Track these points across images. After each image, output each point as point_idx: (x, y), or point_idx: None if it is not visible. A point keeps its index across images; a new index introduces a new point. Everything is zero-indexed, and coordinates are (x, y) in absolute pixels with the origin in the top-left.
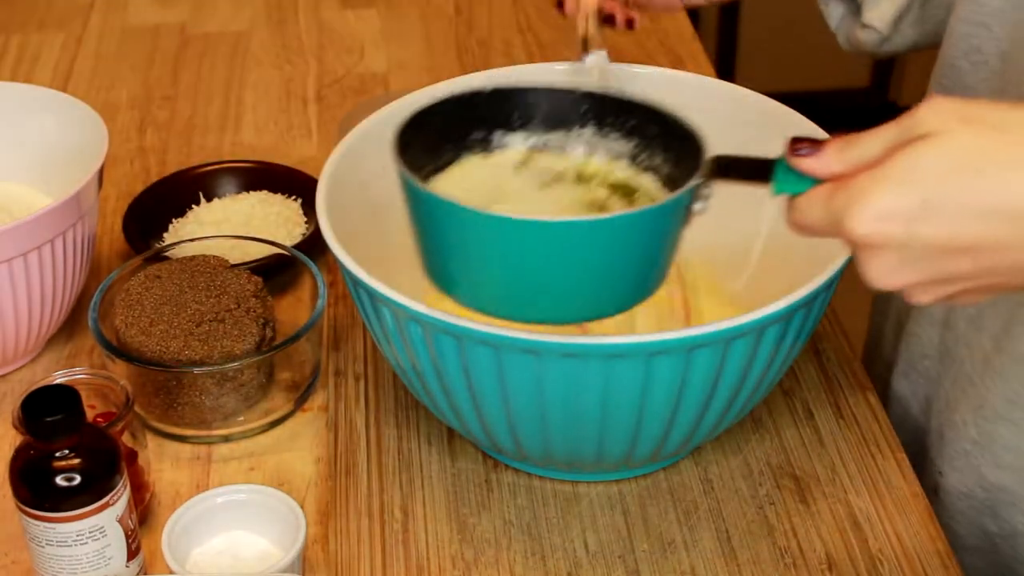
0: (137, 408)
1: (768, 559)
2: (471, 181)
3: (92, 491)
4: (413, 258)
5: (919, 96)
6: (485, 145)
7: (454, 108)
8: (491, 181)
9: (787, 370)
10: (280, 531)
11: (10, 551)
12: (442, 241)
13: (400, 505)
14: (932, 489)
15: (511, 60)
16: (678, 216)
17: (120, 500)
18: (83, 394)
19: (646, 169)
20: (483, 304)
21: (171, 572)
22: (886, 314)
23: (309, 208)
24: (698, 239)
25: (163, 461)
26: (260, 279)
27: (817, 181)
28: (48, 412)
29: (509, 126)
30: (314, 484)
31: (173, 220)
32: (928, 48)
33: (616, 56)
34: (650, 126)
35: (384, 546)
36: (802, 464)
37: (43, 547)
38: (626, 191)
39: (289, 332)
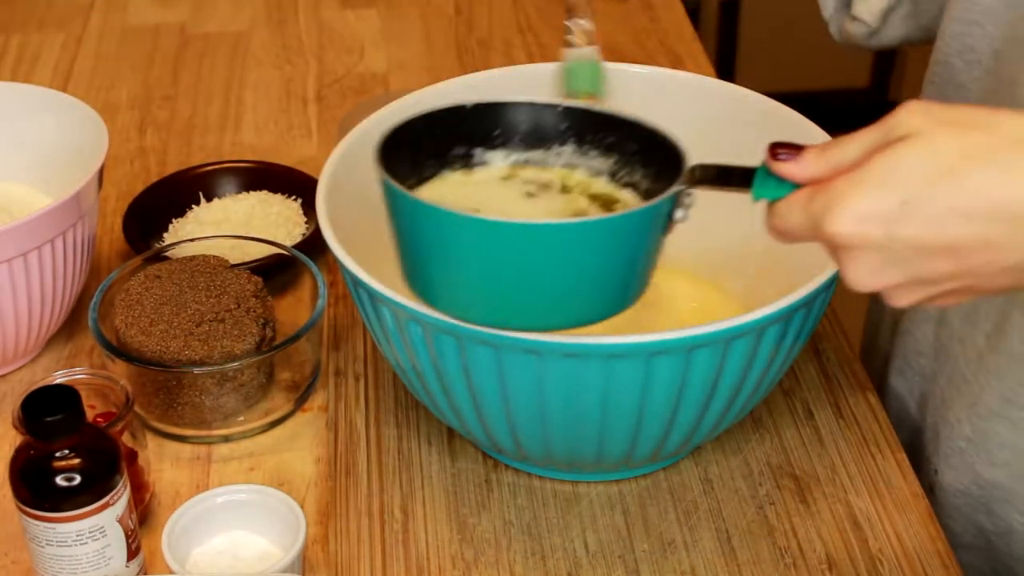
0: (137, 408)
1: (768, 559)
2: (456, 193)
3: (92, 491)
4: None
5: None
6: (466, 161)
7: (435, 123)
8: (476, 193)
9: (787, 370)
10: (280, 531)
11: (10, 551)
12: (422, 246)
13: (400, 505)
14: (928, 487)
15: (511, 60)
16: (658, 222)
17: (120, 500)
18: (83, 394)
19: (625, 185)
20: (462, 311)
21: (171, 572)
22: (883, 311)
23: (309, 208)
24: (698, 239)
25: (163, 461)
26: (260, 279)
27: (796, 186)
28: (48, 412)
29: (490, 143)
30: (314, 484)
31: (173, 220)
32: (921, 43)
33: (616, 56)
34: (629, 143)
35: (384, 546)
36: (802, 464)
37: (43, 547)
38: (606, 201)
39: (289, 332)
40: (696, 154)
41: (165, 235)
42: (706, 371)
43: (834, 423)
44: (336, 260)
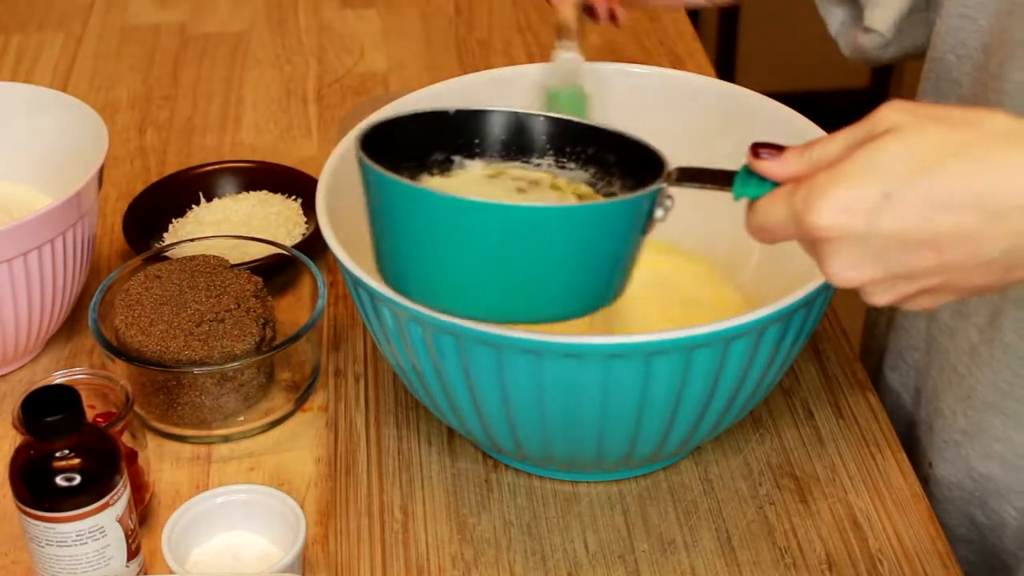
0: (137, 408)
1: (768, 559)
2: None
3: (92, 491)
4: None
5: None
6: (445, 167)
7: (416, 125)
8: (464, 189)
9: (787, 370)
10: (280, 531)
11: (10, 551)
12: (401, 231)
13: (400, 505)
14: (922, 480)
15: (511, 60)
16: (639, 218)
17: (120, 500)
18: (83, 394)
19: (606, 196)
20: (438, 300)
21: (171, 572)
22: (879, 307)
23: (309, 208)
24: (699, 239)
25: (163, 461)
26: (260, 279)
27: (777, 186)
28: (48, 412)
29: (470, 151)
30: (314, 484)
31: (173, 220)
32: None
33: (616, 55)
34: (609, 154)
35: (384, 546)
36: (802, 464)
37: (43, 547)
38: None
39: (289, 332)
40: (696, 154)
41: (165, 235)
42: (706, 371)
43: (834, 423)
44: (336, 260)
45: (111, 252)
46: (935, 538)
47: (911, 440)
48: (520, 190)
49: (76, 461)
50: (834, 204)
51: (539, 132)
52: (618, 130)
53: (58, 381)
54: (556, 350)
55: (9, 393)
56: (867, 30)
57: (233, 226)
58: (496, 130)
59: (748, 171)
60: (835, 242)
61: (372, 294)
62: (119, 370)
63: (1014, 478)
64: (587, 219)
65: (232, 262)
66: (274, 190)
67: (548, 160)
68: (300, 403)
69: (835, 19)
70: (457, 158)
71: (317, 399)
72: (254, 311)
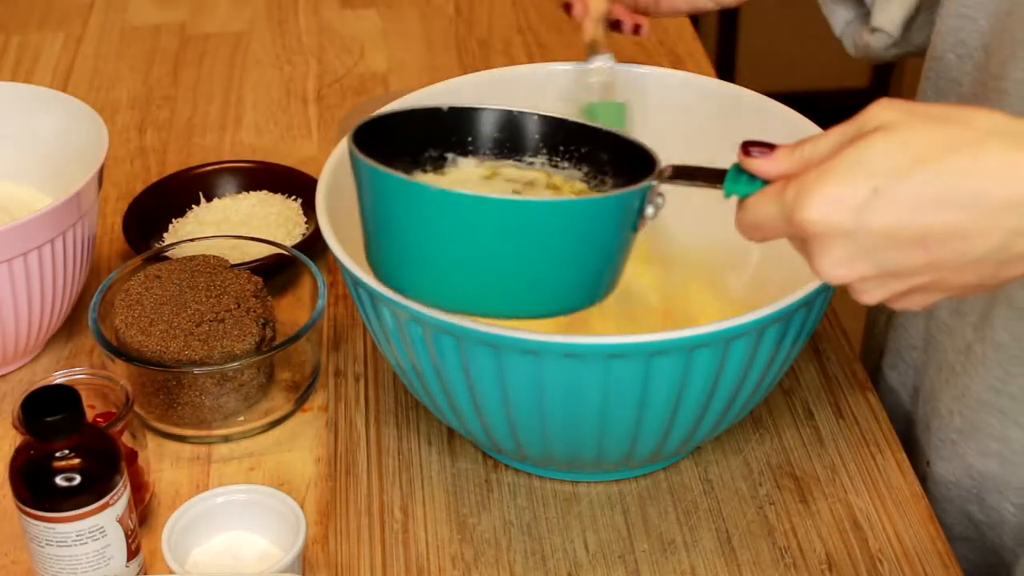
0: (137, 408)
1: (768, 559)
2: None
3: (92, 491)
4: None
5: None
6: (438, 164)
7: (410, 122)
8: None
9: (787, 370)
10: (280, 531)
11: (10, 551)
12: (392, 225)
13: (400, 505)
14: (920, 479)
15: (511, 60)
16: (630, 214)
17: (120, 500)
18: (83, 394)
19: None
20: (430, 295)
21: (171, 572)
22: (879, 307)
23: (309, 208)
24: (699, 239)
25: (163, 461)
26: (260, 279)
27: (767, 183)
28: (48, 412)
29: (463, 148)
30: (314, 484)
31: (173, 220)
32: None
33: (616, 55)
34: (601, 153)
35: (384, 546)
36: (802, 464)
37: (43, 547)
38: None
39: (289, 332)
40: (696, 154)
41: (165, 235)
42: (706, 371)
43: (834, 423)
44: (336, 260)
45: (111, 252)
46: (935, 538)
47: (909, 439)
48: (515, 192)
49: (76, 461)
50: (823, 200)
51: (532, 130)
52: (611, 129)
53: (58, 381)
54: (556, 350)
55: (9, 393)
56: (874, 30)
57: (233, 226)
58: (489, 128)
59: (739, 169)
60: (824, 238)
61: (372, 294)
62: (119, 370)
63: (1012, 474)
64: (578, 214)
65: (232, 262)
66: (274, 190)
67: (541, 158)
68: (300, 403)
69: (839, 19)
70: (450, 155)
71: (317, 399)
72: (254, 311)
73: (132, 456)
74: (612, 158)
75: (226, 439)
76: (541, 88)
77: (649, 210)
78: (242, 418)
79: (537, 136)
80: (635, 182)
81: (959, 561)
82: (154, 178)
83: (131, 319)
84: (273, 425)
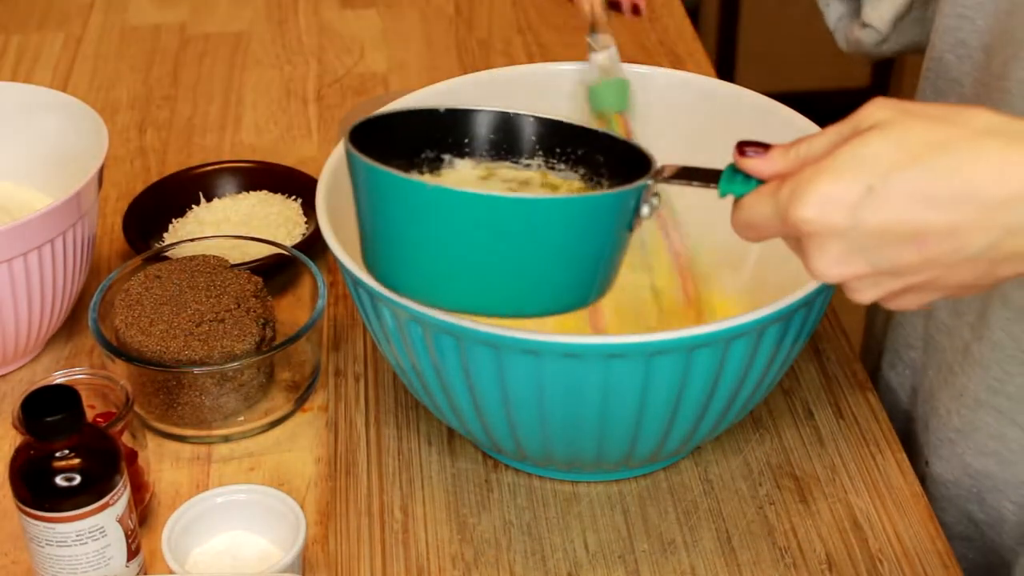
0: (137, 408)
1: (768, 559)
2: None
3: (92, 491)
4: None
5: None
6: (434, 165)
7: (407, 123)
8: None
9: (787, 370)
10: (280, 531)
11: (10, 551)
12: (387, 223)
13: (400, 505)
14: (919, 479)
15: (511, 60)
16: (625, 214)
17: (120, 500)
18: (83, 394)
19: None
20: (426, 294)
21: (171, 572)
22: (878, 307)
23: (309, 208)
24: (699, 239)
25: (163, 461)
26: (260, 279)
27: (762, 183)
28: (48, 412)
29: (459, 150)
30: (314, 484)
31: (173, 220)
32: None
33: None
34: (597, 155)
35: (384, 546)
36: (802, 464)
37: (43, 547)
38: None
39: (289, 332)
40: (696, 154)
41: (165, 235)
42: (706, 371)
43: (834, 423)
44: (336, 260)
45: (111, 252)
46: (935, 538)
47: (908, 439)
48: (511, 190)
49: (76, 461)
50: (818, 198)
51: (529, 132)
52: (607, 131)
53: (58, 381)
54: (556, 350)
55: (9, 393)
56: (864, 25)
57: (233, 226)
58: (486, 130)
59: (734, 169)
60: (819, 237)
61: (372, 294)
62: (119, 370)
63: (1010, 473)
64: (575, 212)
65: (232, 262)
66: (274, 190)
67: (538, 160)
68: (300, 403)
69: (833, 13)
70: (447, 157)
71: (317, 399)
72: (254, 311)
73: (132, 456)
74: (608, 160)
75: (226, 439)
76: (541, 88)
77: (645, 210)
78: (242, 418)
79: (534, 138)
80: (631, 183)
81: (959, 560)
82: (154, 178)
83: (131, 319)
84: (273, 425)
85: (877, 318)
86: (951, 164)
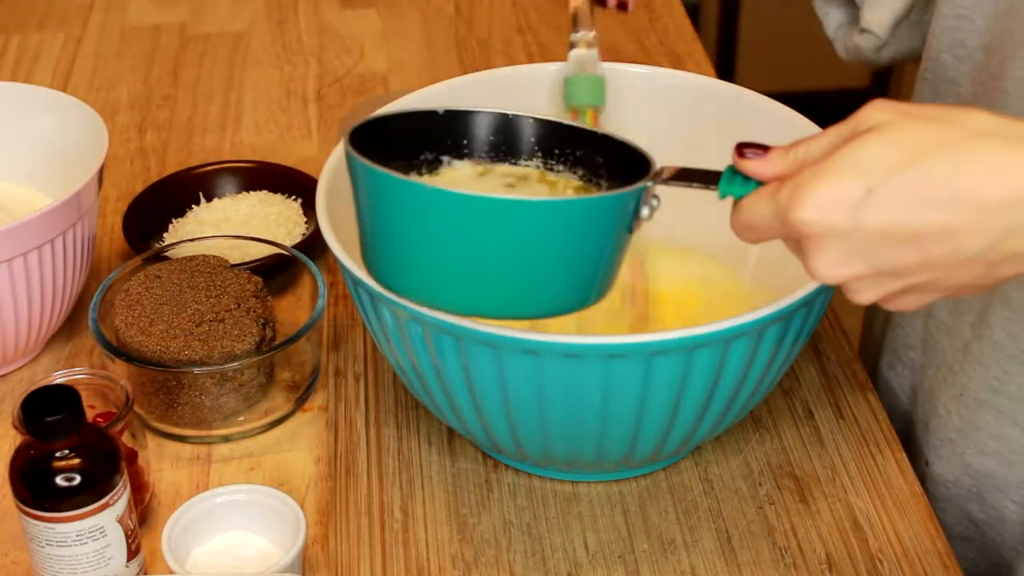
0: (137, 408)
1: (768, 559)
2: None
3: (92, 491)
4: None
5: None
6: (433, 167)
7: (406, 125)
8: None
9: (787, 370)
10: (280, 531)
11: (10, 551)
12: (388, 225)
13: (400, 505)
14: (920, 479)
15: (511, 60)
16: (624, 216)
17: (120, 500)
18: (83, 394)
19: None
20: (425, 295)
21: (171, 572)
22: (878, 307)
23: (309, 208)
24: (699, 238)
25: (163, 461)
26: (260, 279)
27: (761, 185)
28: (48, 412)
29: (458, 152)
30: (314, 484)
31: (173, 220)
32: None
33: (616, 55)
34: (596, 156)
35: (384, 546)
36: (802, 464)
37: (43, 547)
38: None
39: (289, 332)
40: (695, 154)
41: (165, 235)
42: (706, 371)
43: (834, 423)
44: (336, 260)
45: (111, 252)
46: (935, 537)
47: (908, 439)
48: (509, 185)
49: (76, 461)
50: (817, 199)
51: (527, 133)
52: (606, 132)
53: (58, 381)
54: (556, 350)
55: (9, 393)
56: (863, 31)
57: (233, 226)
58: (485, 131)
59: (733, 170)
60: (819, 238)
61: (372, 294)
62: (119, 370)
63: (1011, 473)
64: (575, 213)
65: (232, 262)
66: (274, 190)
67: (536, 162)
68: (300, 403)
69: (832, 20)
70: (446, 158)
71: (317, 399)
72: (254, 311)
73: (132, 456)
74: (607, 161)
75: (226, 439)
76: (541, 88)
77: (644, 211)
78: (242, 418)
79: (532, 139)
80: (630, 184)
81: (959, 560)
82: (154, 178)
83: (131, 319)
84: (273, 425)
85: (876, 318)
86: (947, 166)
